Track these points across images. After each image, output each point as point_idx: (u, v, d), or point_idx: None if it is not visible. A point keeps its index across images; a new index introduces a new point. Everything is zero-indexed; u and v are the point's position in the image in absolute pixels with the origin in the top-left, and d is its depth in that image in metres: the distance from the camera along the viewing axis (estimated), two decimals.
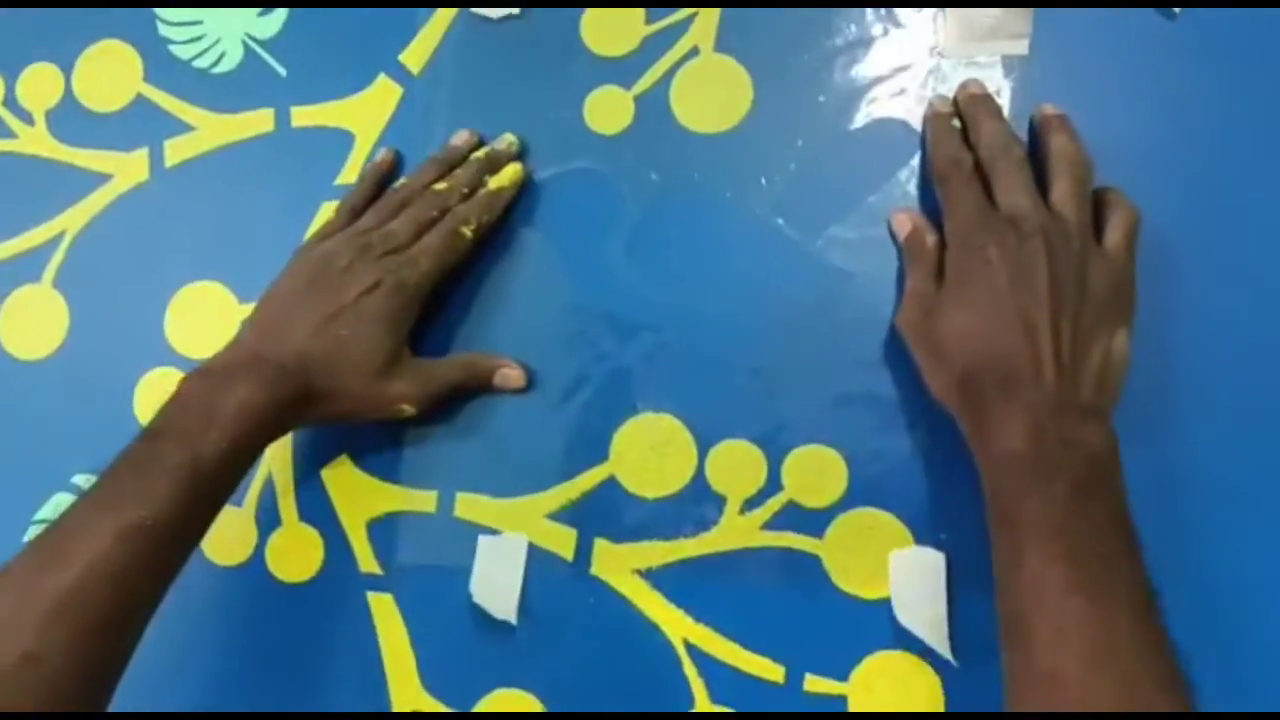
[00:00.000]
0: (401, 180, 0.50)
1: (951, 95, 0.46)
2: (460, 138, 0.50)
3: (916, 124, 0.46)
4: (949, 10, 0.46)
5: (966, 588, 0.43)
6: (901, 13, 0.47)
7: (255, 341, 0.44)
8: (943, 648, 0.42)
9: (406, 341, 0.47)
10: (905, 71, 0.47)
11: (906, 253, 0.45)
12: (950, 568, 0.43)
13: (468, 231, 0.47)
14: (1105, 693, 0.33)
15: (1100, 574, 0.35)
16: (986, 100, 0.44)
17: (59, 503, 0.52)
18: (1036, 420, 0.37)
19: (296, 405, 0.44)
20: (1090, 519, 0.36)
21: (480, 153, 0.49)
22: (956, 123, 0.45)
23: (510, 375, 0.48)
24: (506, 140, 0.50)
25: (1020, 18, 0.46)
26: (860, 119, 0.47)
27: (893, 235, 0.45)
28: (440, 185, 0.48)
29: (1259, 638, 0.41)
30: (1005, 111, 0.45)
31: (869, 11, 0.47)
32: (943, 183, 0.43)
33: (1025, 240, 0.39)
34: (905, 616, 0.43)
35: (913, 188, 0.46)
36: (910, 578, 0.43)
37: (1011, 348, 0.38)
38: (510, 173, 0.49)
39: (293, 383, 0.43)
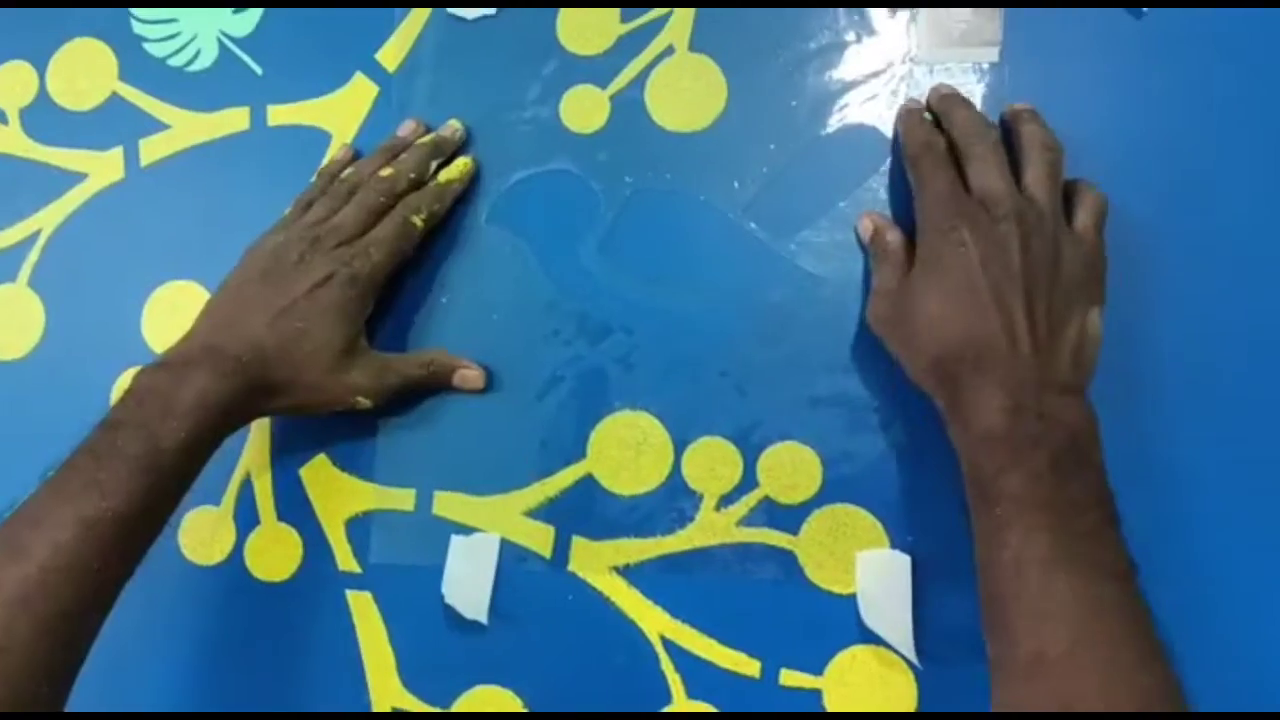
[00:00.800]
0: (347, 170, 0.49)
1: (924, 99, 0.46)
2: (406, 128, 0.50)
3: (888, 130, 0.47)
4: (921, 17, 0.47)
5: (935, 588, 0.44)
6: (875, 19, 0.47)
7: (210, 334, 0.44)
8: (908, 650, 0.43)
9: (363, 333, 0.47)
10: (877, 77, 0.47)
11: (872, 254, 0.45)
12: (919, 568, 0.44)
13: (418, 221, 0.47)
14: (1089, 672, 0.33)
15: (1082, 548, 0.35)
16: (958, 95, 0.45)
17: None
18: (1014, 397, 0.37)
19: (253, 397, 0.44)
20: (1071, 494, 0.36)
21: (426, 138, 0.49)
22: (929, 116, 0.45)
23: (469, 376, 0.48)
24: (451, 126, 0.50)
25: (991, 25, 0.46)
26: (832, 124, 0.47)
27: (859, 240, 0.46)
28: (386, 171, 0.48)
29: (1244, 622, 0.42)
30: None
31: (842, 16, 0.48)
32: (914, 165, 0.43)
33: (998, 222, 0.39)
34: (871, 618, 0.44)
35: (884, 193, 0.46)
36: (876, 580, 0.44)
37: (986, 327, 0.38)
38: (460, 166, 0.49)
39: (249, 374, 0.43)
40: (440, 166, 0.49)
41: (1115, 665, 0.33)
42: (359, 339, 0.46)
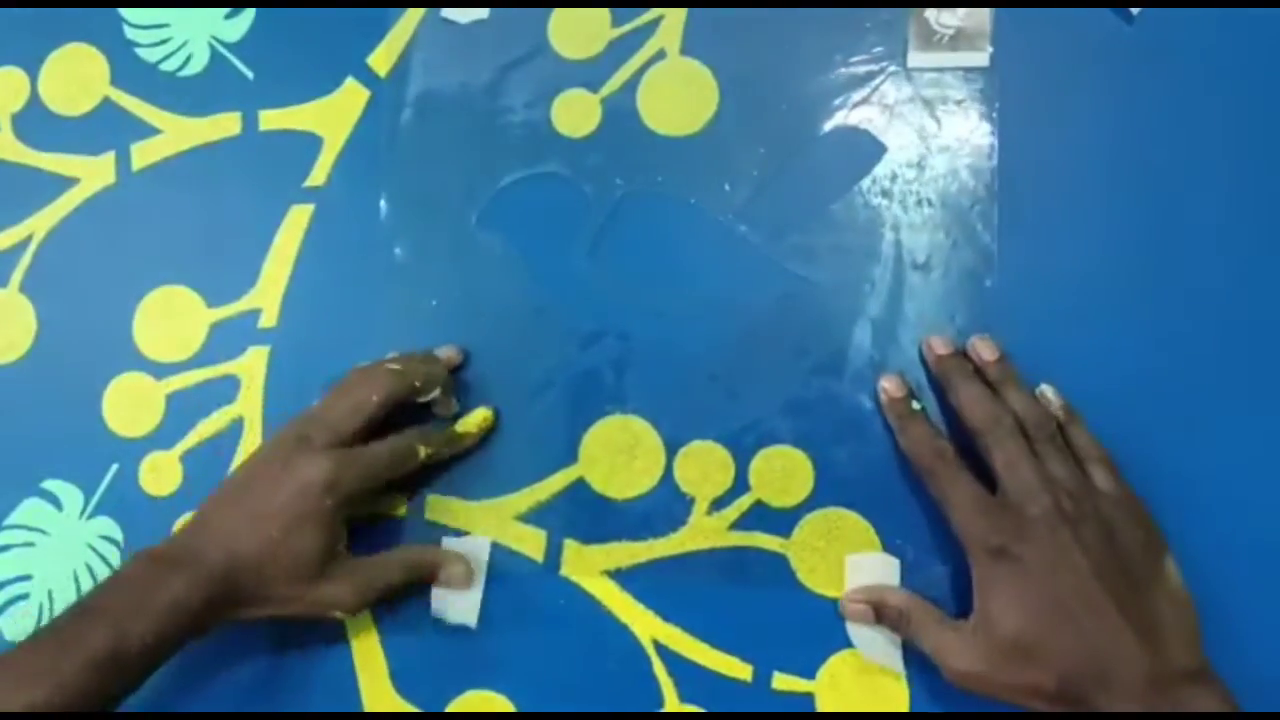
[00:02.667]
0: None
1: (895, 377, 0.44)
2: (443, 350, 0.48)
3: (878, 133, 0.47)
4: (911, 22, 0.47)
5: (925, 590, 0.44)
6: (865, 23, 0.47)
7: (198, 534, 0.43)
8: (897, 658, 0.43)
9: (343, 540, 0.44)
10: (868, 81, 0.47)
11: (886, 624, 0.43)
12: (909, 570, 0.44)
13: (423, 453, 0.46)
14: None
15: None
16: (958, 364, 0.43)
17: (29, 508, 0.52)
18: (1151, 707, 0.36)
19: (224, 605, 0.42)
20: None
21: (446, 357, 0.48)
22: (917, 404, 0.44)
23: (455, 574, 0.46)
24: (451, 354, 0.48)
25: (981, 29, 0.46)
26: (822, 127, 0.47)
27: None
28: (394, 365, 0.46)
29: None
30: (970, 117, 0.45)
31: (833, 21, 0.47)
32: (930, 477, 0.42)
33: (1039, 521, 0.38)
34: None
35: (874, 197, 0.46)
36: (866, 582, 0.44)
37: (1092, 639, 0.37)
38: (480, 419, 0.47)
39: (222, 583, 0.42)
40: (455, 417, 0.48)
41: None
42: (337, 549, 0.44)
